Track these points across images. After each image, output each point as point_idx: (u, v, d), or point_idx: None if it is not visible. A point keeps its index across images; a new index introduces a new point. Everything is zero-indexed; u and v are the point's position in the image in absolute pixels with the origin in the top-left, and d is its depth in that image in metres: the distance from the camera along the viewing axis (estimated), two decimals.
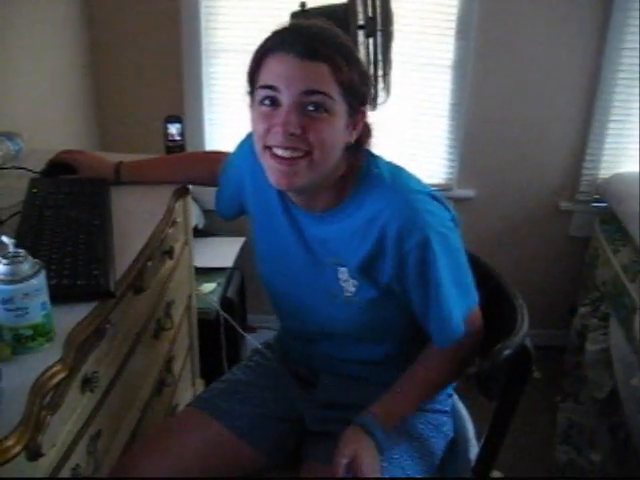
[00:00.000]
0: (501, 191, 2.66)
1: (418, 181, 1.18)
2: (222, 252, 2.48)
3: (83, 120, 2.50)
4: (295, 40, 1.03)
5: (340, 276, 1.19)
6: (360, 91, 1.10)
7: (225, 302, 2.28)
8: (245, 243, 2.51)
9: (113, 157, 1.59)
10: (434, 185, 2.57)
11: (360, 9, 1.78)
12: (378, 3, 1.78)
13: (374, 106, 1.60)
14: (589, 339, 2.23)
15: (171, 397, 1.69)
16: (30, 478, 0.89)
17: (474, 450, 1.33)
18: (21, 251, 0.92)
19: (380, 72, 1.83)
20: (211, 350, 2.20)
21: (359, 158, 1.16)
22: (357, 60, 1.10)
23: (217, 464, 1.25)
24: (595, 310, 2.31)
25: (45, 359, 0.92)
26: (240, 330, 2.28)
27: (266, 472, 1.32)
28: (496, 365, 1.11)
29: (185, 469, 1.22)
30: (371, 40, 1.79)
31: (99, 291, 1.08)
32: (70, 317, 1.01)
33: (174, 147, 1.95)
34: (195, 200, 2.42)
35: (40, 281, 0.92)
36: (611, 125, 2.52)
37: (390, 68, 1.85)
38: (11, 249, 0.93)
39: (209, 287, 2.29)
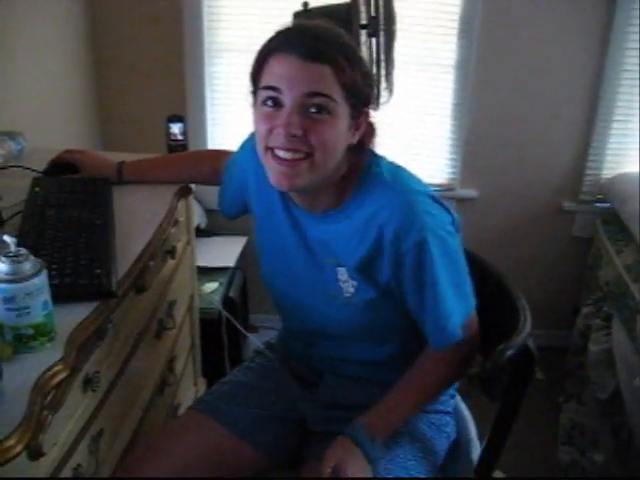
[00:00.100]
0: (504, 191, 2.66)
1: (419, 182, 1.17)
2: (224, 252, 2.48)
3: (85, 119, 2.50)
4: (298, 41, 1.03)
5: (339, 277, 1.19)
6: (363, 92, 1.10)
7: (227, 302, 2.28)
8: (247, 243, 2.51)
9: (115, 156, 1.59)
10: (436, 185, 2.58)
11: (363, 8, 1.77)
12: (381, 3, 1.78)
13: (377, 106, 1.60)
14: (592, 339, 2.22)
15: (173, 397, 1.69)
16: (31, 478, 0.88)
17: (476, 451, 1.33)
18: (23, 250, 0.92)
19: (383, 72, 1.82)
20: (213, 350, 2.20)
21: (361, 159, 1.15)
22: (360, 61, 1.10)
23: (219, 466, 1.25)
24: (598, 310, 2.30)
25: (46, 359, 0.92)
26: (242, 330, 2.28)
27: (268, 473, 1.32)
28: (499, 366, 1.10)
29: (187, 471, 1.22)
30: (374, 40, 1.79)
31: (101, 291, 1.08)
32: (72, 317, 1.01)
33: (176, 147, 1.95)
34: (197, 200, 2.42)
35: (41, 280, 0.92)
36: (614, 125, 2.51)
37: (393, 68, 1.85)
38: (13, 248, 0.92)
39: (211, 287, 2.29)
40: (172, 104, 2.49)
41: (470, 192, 2.65)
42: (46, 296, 0.94)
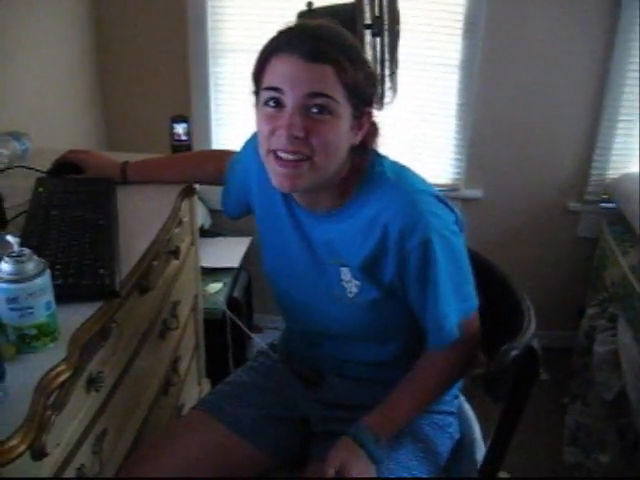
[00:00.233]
0: (508, 191, 2.65)
1: (423, 181, 1.17)
2: (228, 252, 2.48)
3: (89, 120, 2.50)
4: (300, 41, 1.03)
5: (343, 277, 1.19)
6: (365, 92, 1.09)
7: (231, 302, 2.28)
8: (252, 243, 2.51)
9: (119, 157, 1.59)
10: (441, 185, 2.57)
11: (367, 8, 1.77)
12: (385, 2, 1.78)
13: (381, 106, 1.60)
14: (597, 340, 2.21)
15: (177, 397, 1.69)
16: (34, 478, 0.88)
17: (481, 451, 1.33)
18: (26, 250, 0.92)
19: (387, 71, 1.82)
20: (217, 350, 2.20)
21: (364, 158, 1.15)
22: (363, 61, 1.10)
23: (222, 466, 1.25)
24: (603, 311, 2.29)
25: (50, 359, 0.92)
26: (246, 330, 2.28)
27: (270, 473, 1.32)
28: (503, 366, 1.10)
29: (190, 471, 1.21)
30: (378, 39, 1.79)
31: (104, 291, 1.08)
32: (75, 317, 1.01)
33: (180, 147, 1.94)
34: (201, 200, 2.42)
35: (45, 280, 0.92)
36: (620, 125, 2.50)
37: (397, 67, 1.85)
38: (16, 248, 0.92)
39: (215, 287, 2.29)
40: (176, 104, 2.49)
41: (475, 192, 2.64)
42: (49, 296, 0.94)
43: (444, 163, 2.63)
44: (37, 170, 1.55)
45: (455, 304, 1.14)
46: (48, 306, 0.93)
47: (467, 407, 1.43)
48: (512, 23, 2.41)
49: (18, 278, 0.89)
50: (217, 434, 1.26)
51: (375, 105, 1.14)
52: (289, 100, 1.03)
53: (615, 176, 2.56)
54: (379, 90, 1.75)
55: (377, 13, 1.78)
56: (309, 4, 1.80)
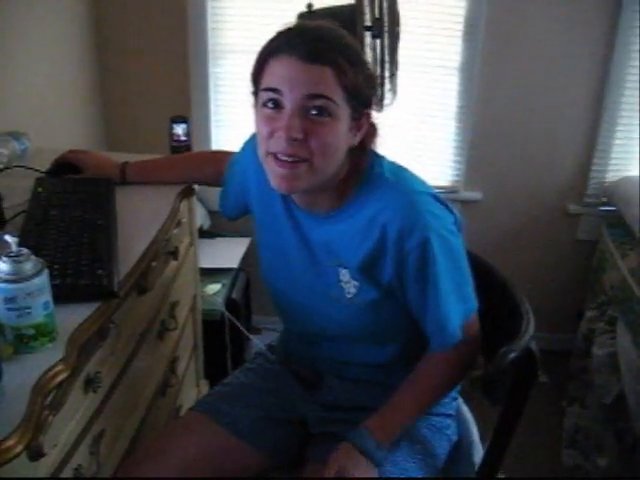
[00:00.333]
0: (508, 194, 2.65)
1: (422, 182, 1.17)
2: (227, 253, 2.48)
3: (89, 120, 2.50)
4: (299, 42, 1.03)
5: (341, 277, 1.18)
6: (364, 94, 1.09)
7: (230, 303, 2.28)
8: (251, 244, 2.51)
9: (118, 157, 1.59)
10: (441, 187, 2.57)
11: (367, 10, 1.77)
12: (385, 4, 1.78)
13: (381, 107, 1.60)
14: (596, 343, 2.21)
15: (175, 398, 1.68)
16: (32, 478, 0.88)
17: (479, 453, 1.32)
18: (24, 250, 0.92)
19: (387, 73, 1.82)
20: (216, 351, 2.20)
21: (363, 159, 1.15)
22: (362, 63, 1.10)
23: (219, 467, 1.25)
24: (602, 314, 2.29)
25: (47, 359, 0.92)
26: (245, 331, 2.28)
27: (268, 474, 1.32)
28: (501, 369, 1.10)
29: (187, 472, 1.21)
30: (378, 41, 1.79)
31: (102, 291, 1.08)
32: (73, 317, 1.01)
33: (180, 147, 1.94)
34: (200, 201, 2.42)
35: (43, 280, 0.92)
36: (619, 128, 2.50)
37: (397, 69, 1.85)
38: (14, 248, 0.92)
39: (214, 288, 2.29)
40: (176, 105, 2.49)
41: (474, 194, 2.64)
42: (47, 296, 0.94)
43: (444, 165, 2.63)
44: (36, 170, 1.55)
45: (457, 305, 1.14)
46: (46, 306, 0.93)
47: (465, 409, 1.43)
48: (512, 25, 2.41)
49: (16, 278, 0.89)
50: (215, 435, 1.26)
51: (375, 107, 1.14)
52: (288, 101, 1.03)
53: (615, 179, 2.56)
54: (379, 92, 1.75)
55: (377, 15, 1.78)
56: (309, 5, 1.80)
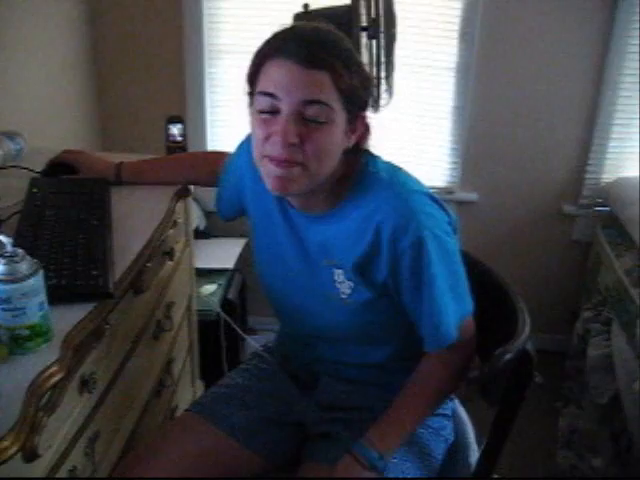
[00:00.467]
0: (504, 195, 2.65)
1: (417, 181, 1.17)
2: (223, 253, 2.48)
3: (84, 120, 2.50)
4: (296, 46, 1.02)
5: (336, 278, 1.18)
6: (361, 97, 1.09)
7: (226, 304, 2.28)
8: (246, 245, 2.51)
9: (114, 157, 1.59)
10: (436, 188, 2.58)
11: (363, 11, 1.77)
12: (381, 5, 1.78)
13: (377, 108, 1.60)
14: (591, 344, 2.22)
15: (170, 398, 1.68)
16: (27, 478, 0.88)
17: (474, 454, 1.32)
18: (19, 250, 0.92)
19: (383, 74, 1.82)
20: (211, 352, 2.20)
21: (358, 159, 1.15)
22: (358, 65, 1.09)
23: (215, 468, 1.24)
24: (597, 315, 2.29)
25: (42, 360, 0.91)
26: (240, 332, 2.28)
27: (265, 474, 1.31)
28: (497, 369, 1.10)
29: (183, 474, 1.21)
30: (374, 42, 1.79)
31: (97, 292, 1.07)
32: (68, 318, 1.00)
33: (175, 148, 1.94)
34: (196, 201, 2.42)
35: (38, 281, 0.92)
36: (614, 129, 2.51)
37: (393, 70, 1.85)
38: (9, 248, 0.92)
39: (210, 289, 2.29)
40: (171, 105, 2.49)
41: (470, 195, 2.65)
42: (42, 297, 0.93)
43: (439, 166, 2.63)
44: (31, 170, 1.55)
45: (452, 305, 1.13)
46: (41, 307, 0.93)
47: (461, 410, 1.43)
48: (507, 26, 2.42)
49: (11, 278, 0.89)
50: (210, 436, 1.26)
51: (371, 108, 1.14)
52: (284, 106, 1.03)
53: (610, 180, 2.57)
54: (375, 93, 1.75)
55: (373, 15, 1.78)
56: (305, 6, 1.80)
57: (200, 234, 2.48)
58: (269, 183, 1.09)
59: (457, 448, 1.34)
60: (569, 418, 2.28)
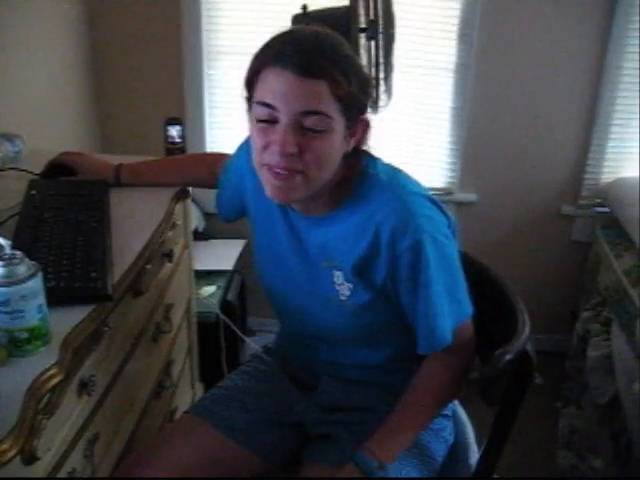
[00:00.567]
0: (503, 195, 2.65)
1: (416, 183, 1.17)
2: (222, 255, 2.48)
3: (83, 122, 2.50)
4: (294, 54, 1.00)
5: (335, 280, 1.18)
6: (360, 101, 1.08)
7: (225, 305, 2.27)
8: (246, 246, 2.51)
9: (113, 159, 1.59)
10: (435, 189, 2.58)
11: (362, 12, 1.77)
12: (380, 6, 1.78)
13: (375, 109, 1.60)
14: (591, 344, 2.22)
15: (170, 400, 1.68)
16: (26, 478, 0.88)
17: (475, 455, 1.32)
18: (18, 253, 0.91)
19: (381, 75, 1.82)
20: (211, 353, 2.20)
21: (357, 161, 1.15)
22: (357, 71, 1.08)
23: (215, 470, 1.24)
24: (597, 315, 2.29)
25: (41, 362, 0.91)
26: (240, 334, 2.28)
27: (265, 475, 1.32)
28: (497, 370, 1.10)
29: (183, 476, 1.21)
30: (373, 43, 1.79)
31: (96, 294, 1.07)
32: (67, 320, 1.00)
33: (174, 149, 1.94)
34: (195, 203, 2.42)
35: (37, 283, 0.92)
36: (613, 129, 2.51)
37: (391, 71, 1.84)
38: (7, 251, 0.92)
39: (209, 290, 2.29)
40: (170, 107, 2.49)
41: (469, 196, 2.64)
42: (41, 299, 0.93)
43: (438, 167, 2.63)
44: (30, 172, 1.54)
45: (448, 307, 1.13)
46: (40, 309, 0.93)
47: (461, 411, 1.43)
48: (507, 27, 2.42)
49: (9, 281, 0.88)
50: (210, 438, 1.25)
51: (369, 109, 1.13)
52: (282, 117, 1.02)
53: (609, 180, 2.57)
54: (373, 94, 1.75)
55: (372, 17, 1.77)
56: (304, 7, 1.80)
57: (199, 236, 2.47)
58: (269, 192, 1.09)
59: (457, 449, 1.34)
60: (569, 418, 2.28)
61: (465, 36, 2.40)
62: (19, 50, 1.96)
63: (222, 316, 2.19)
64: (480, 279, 1.27)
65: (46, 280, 0.96)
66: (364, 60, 1.76)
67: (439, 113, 2.54)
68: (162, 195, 1.52)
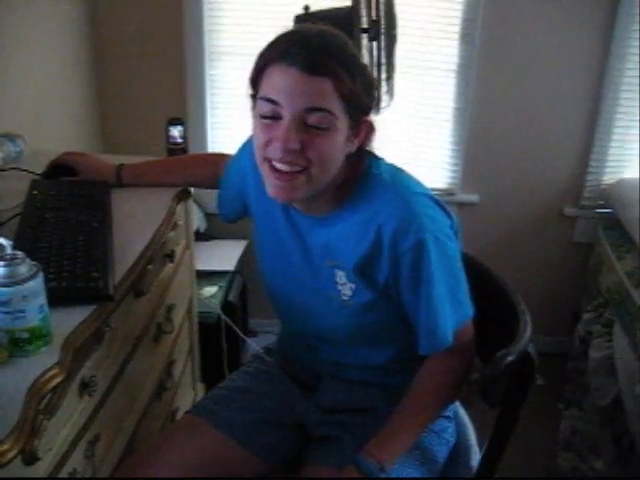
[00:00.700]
0: (505, 196, 2.65)
1: (419, 184, 1.17)
2: (224, 255, 2.48)
3: (85, 122, 2.50)
4: (299, 51, 1.01)
5: (337, 279, 1.18)
6: (364, 102, 1.09)
7: (226, 306, 2.27)
8: (247, 247, 2.50)
9: (114, 159, 1.59)
10: (437, 190, 2.57)
11: (364, 12, 1.77)
12: (382, 6, 1.78)
13: (377, 110, 1.60)
14: (593, 346, 2.21)
15: (171, 401, 1.68)
16: (27, 478, 0.87)
17: (476, 457, 1.32)
18: (19, 253, 0.91)
19: (384, 76, 1.82)
20: (212, 354, 2.20)
21: (361, 162, 1.15)
22: (361, 70, 1.08)
23: (216, 470, 1.24)
24: (599, 316, 2.29)
25: (42, 362, 0.91)
26: (241, 334, 2.27)
27: (266, 476, 1.31)
28: (499, 371, 1.09)
29: (184, 476, 1.20)
30: (374, 43, 1.79)
31: (98, 294, 1.07)
32: (68, 320, 1.00)
33: (176, 150, 1.94)
34: (197, 203, 2.42)
35: (38, 283, 0.91)
36: (616, 131, 2.51)
37: (393, 72, 1.84)
38: (9, 251, 0.92)
39: (210, 291, 2.28)
40: (172, 107, 2.48)
41: (471, 197, 2.64)
42: (42, 299, 0.93)
43: (440, 167, 2.63)
44: (31, 172, 1.55)
45: (450, 308, 1.13)
46: (41, 309, 0.92)
47: (462, 412, 1.42)
48: (508, 27, 2.42)
49: (11, 281, 0.88)
50: (211, 439, 1.25)
51: (372, 110, 1.13)
52: (286, 113, 1.03)
53: (611, 181, 2.57)
54: (376, 94, 1.75)
55: (374, 17, 1.77)
56: (306, 7, 1.80)
57: (201, 236, 2.47)
58: (271, 191, 1.09)
59: (459, 450, 1.34)
60: (571, 420, 2.28)
61: (467, 37, 2.40)
62: (21, 50, 1.96)
63: (223, 316, 2.19)
64: (482, 280, 1.27)
65: (47, 280, 0.96)
66: (366, 61, 1.76)
67: (441, 114, 2.54)
68: (164, 195, 1.52)
